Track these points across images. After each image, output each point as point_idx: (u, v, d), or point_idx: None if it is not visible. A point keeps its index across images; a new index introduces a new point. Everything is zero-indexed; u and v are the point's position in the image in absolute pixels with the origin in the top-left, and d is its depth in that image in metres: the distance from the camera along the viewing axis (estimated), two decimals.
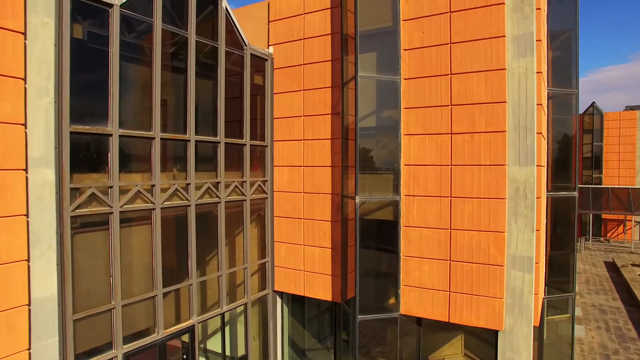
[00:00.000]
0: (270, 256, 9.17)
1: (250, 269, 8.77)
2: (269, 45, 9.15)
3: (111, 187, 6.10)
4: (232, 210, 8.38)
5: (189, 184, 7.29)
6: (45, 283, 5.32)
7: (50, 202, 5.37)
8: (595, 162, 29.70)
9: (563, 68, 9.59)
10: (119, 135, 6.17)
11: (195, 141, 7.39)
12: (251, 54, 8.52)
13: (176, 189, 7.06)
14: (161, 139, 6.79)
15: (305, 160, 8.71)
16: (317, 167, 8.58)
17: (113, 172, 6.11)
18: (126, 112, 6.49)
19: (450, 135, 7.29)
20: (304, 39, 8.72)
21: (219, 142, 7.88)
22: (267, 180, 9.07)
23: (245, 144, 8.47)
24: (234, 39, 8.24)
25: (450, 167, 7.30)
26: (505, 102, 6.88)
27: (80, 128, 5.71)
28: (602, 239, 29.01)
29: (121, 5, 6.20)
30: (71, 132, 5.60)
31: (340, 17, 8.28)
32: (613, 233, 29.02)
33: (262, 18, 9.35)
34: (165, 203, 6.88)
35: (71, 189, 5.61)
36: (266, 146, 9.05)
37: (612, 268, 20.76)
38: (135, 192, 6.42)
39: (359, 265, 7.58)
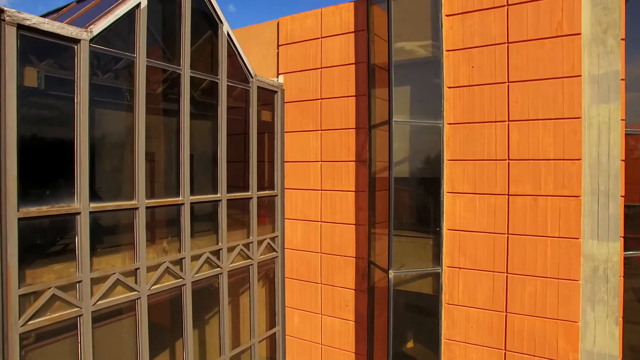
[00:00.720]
0: (281, 324, 7.77)
1: (258, 340, 7.38)
2: (278, 74, 7.69)
3: (80, 281, 4.67)
4: (237, 278, 6.96)
5: (184, 257, 5.85)
6: None
7: None
8: None
9: None
10: (90, 212, 4.73)
11: (191, 203, 5.95)
12: (258, 87, 7.07)
13: (167, 267, 5.63)
14: (147, 207, 5.35)
15: (324, 215, 7.28)
16: (338, 224, 7.15)
17: (82, 260, 4.66)
18: (100, 178, 5.04)
19: (507, 196, 5.88)
20: (322, 68, 7.26)
21: (220, 200, 6.43)
22: (277, 236, 7.63)
23: (251, 197, 7.03)
24: (238, 69, 6.78)
25: (506, 236, 5.90)
26: (580, 159, 5.48)
27: (33, 211, 4.26)
28: None
29: (91, 40, 4.73)
30: (20, 219, 4.16)
31: (367, 44, 6.83)
32: None
33: (270, 40, 7.87)
34: (153, 287, 5.45)
35: (21, 296, 4.18)
36: (276, 195, 7.61)
37: None
38: (114, 281, 5.00)
39: (392, 347, 6.21)
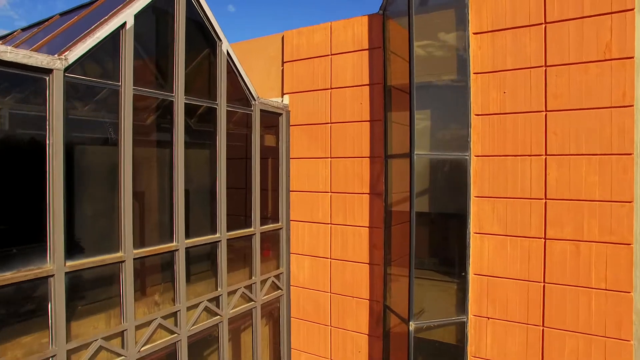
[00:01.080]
0: None
1: None
2: (282, 94, 6.98)
3: (54, 355, 3.98)
4: (238, 323, 6.28)
5: (178, 310, 5.16)
6: None
7: None
8: None
9: None
10: (66, 273, 4.03)
11: (187, 248, 5.26)
12: (261, 110, 6.36)
13: (159, 323, 4.94)
14: (135, 258, 4.66)
15: (334, 252, 6.60)
16: (349, 262, 6.47)
17: (57, 329, 3.97)
18: (79, 228, 4.33)
19: (543, 240, 5.21)
20: (332, 88, 6.55)
21: (220, 240, 5.74)
22: (282, 273, 6.95)
23: (254, 233, 6.34)
24: (238, 91, 6.06)
25: (542, 285, 5.24)
26: (632, 201, 4.81)
27: None
28: None
29: (66, 69, 4.01)
30: None
31: (383, 63, 6.12)
32: None
33: (274, 56, 7.15)
34: (143, 349, 4.75)
35: None
36: (280, 228, 6.92)
37: None
38: (97, 349, 4.31)
39: None
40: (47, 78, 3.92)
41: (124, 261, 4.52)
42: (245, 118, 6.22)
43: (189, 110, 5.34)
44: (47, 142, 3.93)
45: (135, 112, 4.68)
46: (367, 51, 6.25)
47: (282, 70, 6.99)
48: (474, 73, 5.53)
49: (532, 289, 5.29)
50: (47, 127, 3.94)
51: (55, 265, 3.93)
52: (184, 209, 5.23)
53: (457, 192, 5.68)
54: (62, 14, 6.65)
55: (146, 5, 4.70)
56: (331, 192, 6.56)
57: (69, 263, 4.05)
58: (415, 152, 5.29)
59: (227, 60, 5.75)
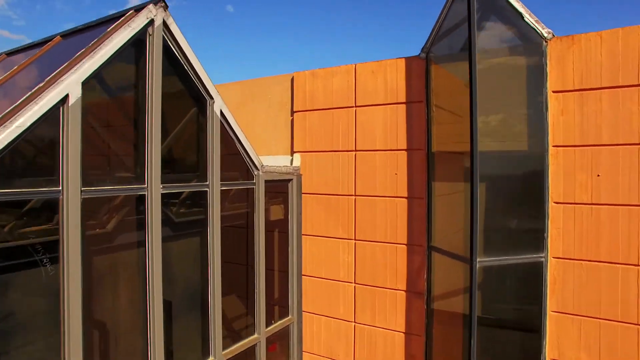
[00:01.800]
0: None
1: None
2: (292, 152, 5.55)
3: None
4: None
5: None
6: None
7: None
8: None
9: None
10: None
11: None
12: (266, 181, 4.93)
13: None
14: None
15: (358, 358, 5.21)
16: None
17: None
18: None
19: None
20: (357, 150, 5.12)
21: None
22: None
23: (259, 341, 4.93)
24: (236, 160, 4.63)
25: None
26: None
27: None
28: None
29: None
30: None
31: (427, 122, 4.68)
32: None
33: (281, 102, 5.71)
34: None
35: None
36: (291, 322, 5.52)
37: None
38: None
39: None
40: None
41: None
42: (246, 192, 4.80)
43: (171, 198, 3.92)
44: None
45: (88, 216, 3.27)
46: (404, 105, 4.81)
47: (292, 120, 5.55)
48: (554, 146, 4.11)
49: None
50: None
51: None
52: (161, 331, 3.82)
53: (527, 303, 4.30)
54: (8, 54, 5.18)
55: (102, 63, 3.24)
56: (355, 282, 5.16)
57: None
58: (477, 260, 3.89)
59: (221, 122, 4.31)
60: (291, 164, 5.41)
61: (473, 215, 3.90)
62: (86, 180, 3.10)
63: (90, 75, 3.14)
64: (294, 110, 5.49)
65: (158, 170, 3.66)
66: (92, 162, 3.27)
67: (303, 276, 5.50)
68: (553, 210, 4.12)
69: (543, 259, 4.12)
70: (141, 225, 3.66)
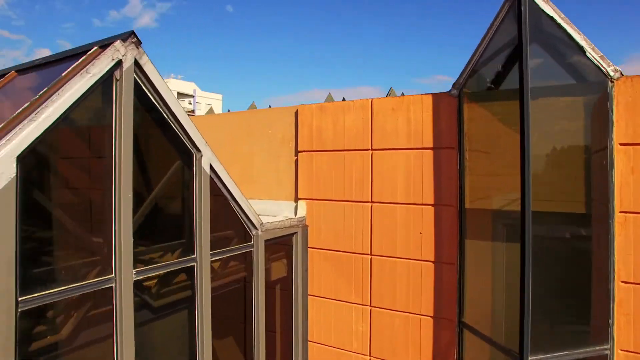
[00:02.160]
0: None
1: None
2: (297, 198, 4.77)
3: None
4: None
5: None
6: None
7: None
8: None
9: None
10: None
11: None
12: (266, 241, 4.16)
13: None
14: None
15: None
16: None
17: None
18: None
19: None
20: (373, 202, 4.34)
21: None
22: None
23: None
24: (230, 221, 3.87)
25: None
26: None
27: None
28: None
29: None
30: None
31: (459, 172, 3.91)
32: None
33: (283, 138, 4.92)
34: None
35: None
36: None
37: None
38: None
39: None
40: None
41: None
42: (243, 258, 4.03)
43: (144, 284, 3.15)
44: None
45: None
46: (430, 150, 4.03)
47: (296, 161, 4.77)
48: (621, 212, 3.34)
49: None
50: None
51: None
52: None
53: None
54: None
55: (50, 126, 2.46)
56: (371, 356, 4.40)
57: None
58: (529, 358, 3.12)
59: (211, 179, 3.54)
60: (295, 213, 4.63)
61: (524, 299, 3.13)
62: (23, 292, 2.33)
63: (30, 144, 2.36)
64: (299, 149, 4.70)
65: (129, 254, 2.88)
66: (30, 268, 2.50)
67: (309, 342, 4.74)
68: (620, 292, 3.35)
69: (608, 352, 3.36)
70: (109, 319, 2.90)
